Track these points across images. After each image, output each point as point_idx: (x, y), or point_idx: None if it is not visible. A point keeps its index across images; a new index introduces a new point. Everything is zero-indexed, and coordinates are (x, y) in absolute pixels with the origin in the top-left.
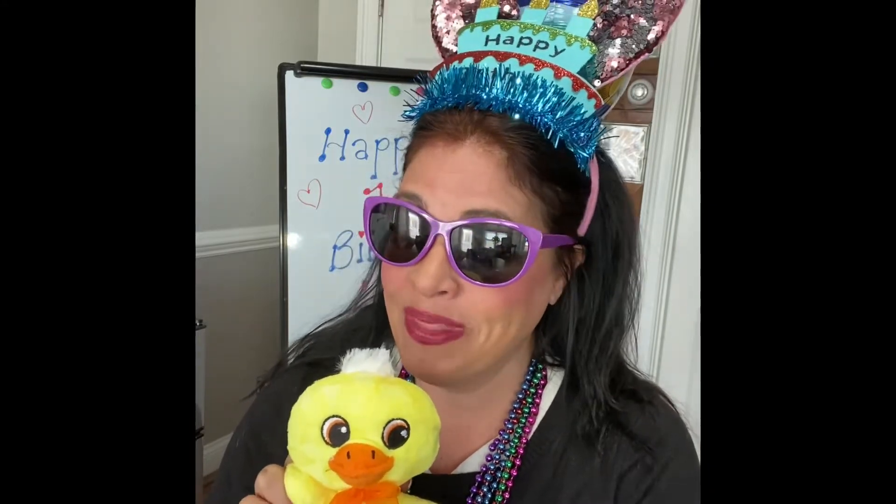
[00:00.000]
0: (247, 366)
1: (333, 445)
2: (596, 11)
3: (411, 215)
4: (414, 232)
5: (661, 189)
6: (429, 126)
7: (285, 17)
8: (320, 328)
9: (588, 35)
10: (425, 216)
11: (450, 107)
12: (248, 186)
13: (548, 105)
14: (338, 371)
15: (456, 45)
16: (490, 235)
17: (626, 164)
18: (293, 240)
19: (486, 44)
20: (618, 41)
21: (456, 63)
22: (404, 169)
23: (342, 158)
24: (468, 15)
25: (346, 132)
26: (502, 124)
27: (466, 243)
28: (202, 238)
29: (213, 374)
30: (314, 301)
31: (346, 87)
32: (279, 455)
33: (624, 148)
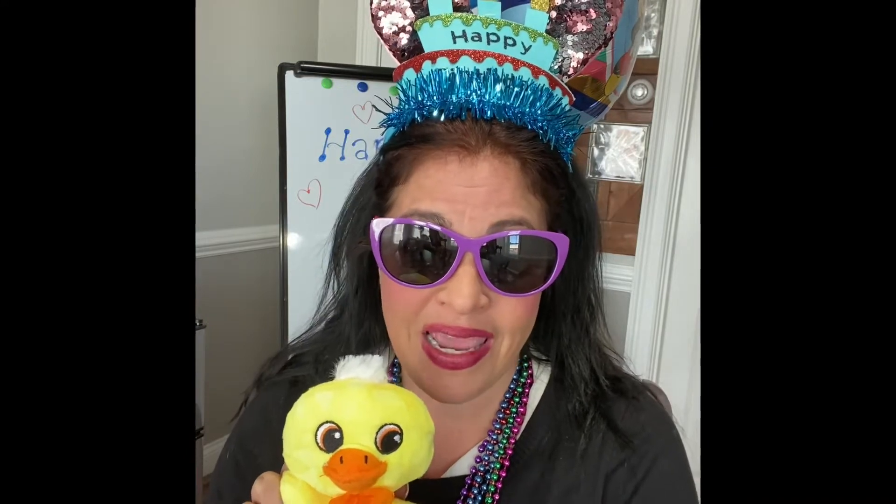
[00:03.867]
0: (247, 366)
1: (327, 451)
2: (548, 4)
3: (435, 235)
4: (438, 251)
5: (661, 189)
6: (429, 138)
7: (285, 17)
8: (293, 345)
9: (545, 29)
10: (451, 235)
11: (448, 117)
12: (248, 186)
13: (541, 108)
14: (331, 378)
15: (410, 37)
16: (519, 246)
17: (626, 164)
18: (293, 240)
19: (454, 41)
20: (577, 36)
21: (429, 63)
22: (395, 179)
23: (342, 158)
24: (418, 6)
25: (346, 132)
26: (510, 135)
27: (496, 257)
28: (202, 238)
29: (213, 374)
30: (314, 301)
31: (346, 87)
32: (268, 467)
33: (624, 148)
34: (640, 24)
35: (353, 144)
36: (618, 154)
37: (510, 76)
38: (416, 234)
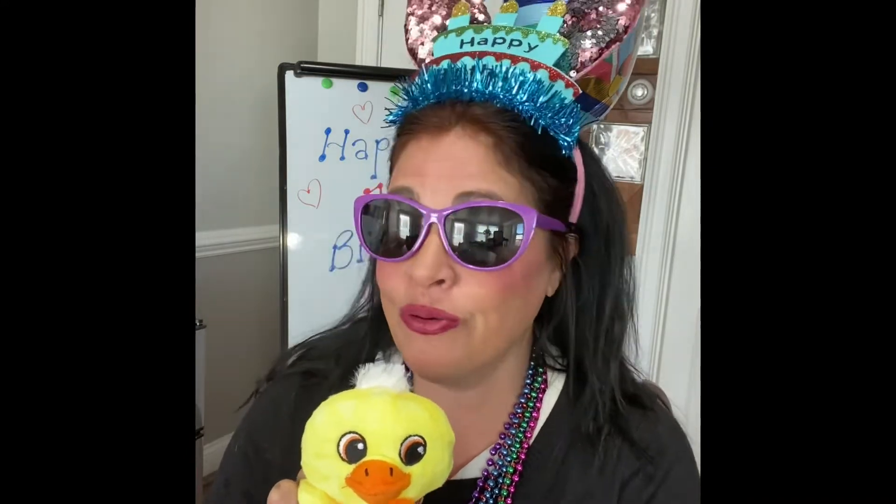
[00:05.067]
0: (247, 366)
1: (350, 462)
2: (564, 10)
3: (403, 208)
4: (407, 225)
5: (661, 189)
6: (413, 122)
7: (285, 17)
8: (312, 339)
9: (559, 31)
10: (416, 206)
11: (432, 104)
12: (248, 186)
13: (527, 94)
14: (352, 385)
15: (432, 55)
16: (484, 217)
17: (626, 164)
18: (293, 240)
19: (461, 46)
20: (589, 33)
21: (433, 66)
22: (391, 170)
23: (342, 158)
24: (442, 27)
25: (346, 132)
26: (485, 112)
27: (461, 228)
28: (202, 238)
29: (213, 374)
30: (314, 301)
31: (346, 87)
32: (277, 460)
33: (624, 148)
34: (640, 24)
35: (353, 144)
36: (618, 154)
37: (493, 68)
38: (387, 209)
